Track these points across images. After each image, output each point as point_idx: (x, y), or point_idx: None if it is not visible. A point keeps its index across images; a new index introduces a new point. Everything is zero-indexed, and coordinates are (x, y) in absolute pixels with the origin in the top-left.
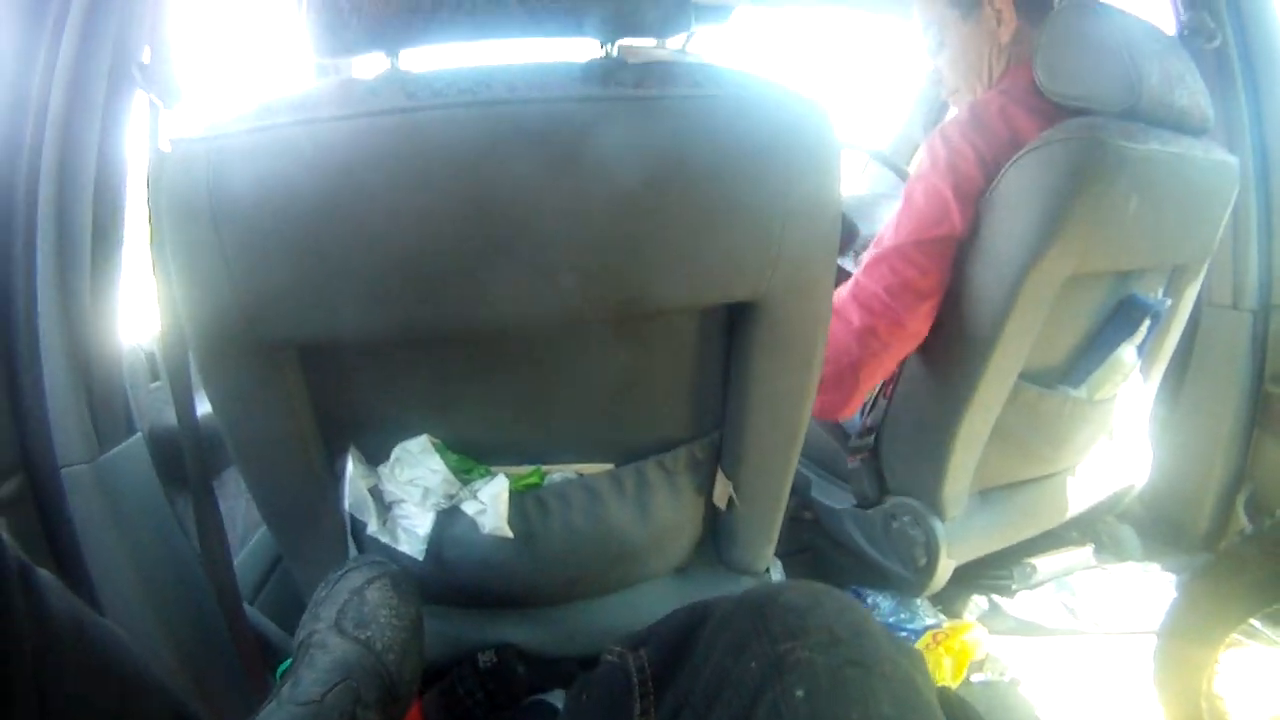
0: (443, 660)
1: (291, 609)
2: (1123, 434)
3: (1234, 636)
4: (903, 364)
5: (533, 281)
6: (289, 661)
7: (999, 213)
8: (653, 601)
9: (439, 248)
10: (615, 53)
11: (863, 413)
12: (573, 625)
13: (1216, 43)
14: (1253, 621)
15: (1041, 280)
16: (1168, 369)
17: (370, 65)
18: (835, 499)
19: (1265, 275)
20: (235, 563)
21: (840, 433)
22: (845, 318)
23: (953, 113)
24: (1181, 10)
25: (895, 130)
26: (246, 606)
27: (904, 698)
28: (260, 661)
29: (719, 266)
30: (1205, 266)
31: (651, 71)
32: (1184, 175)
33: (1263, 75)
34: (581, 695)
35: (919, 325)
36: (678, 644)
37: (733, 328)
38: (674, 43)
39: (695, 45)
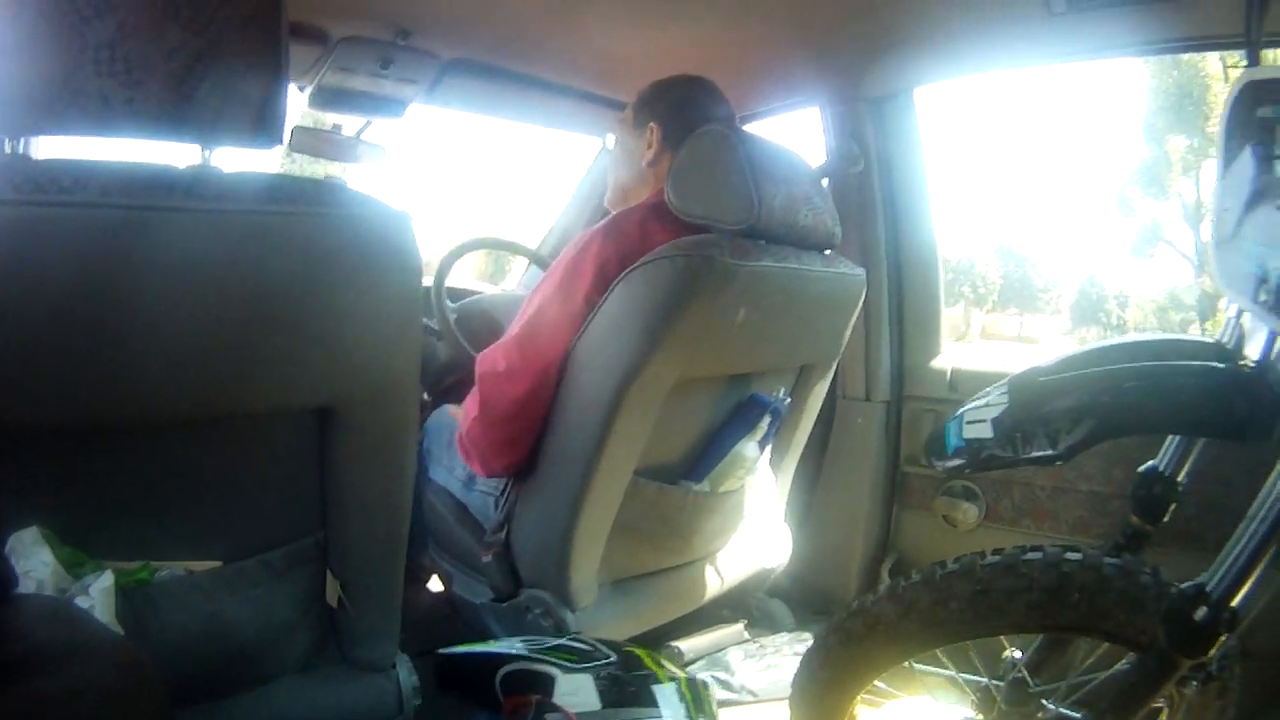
0: None
1: None
2: (759, 520)
3: (865, 697)
4: (529, 458)
5: (121, 380)
6: None
7: (607, 321)
8: (278, 702)
9: (31, 344)
10: (211, 159)
11: (496, 507)
12: None
13: (859, 168)
14: (878, 684)
15: (647, 386)
16: (808, 455)
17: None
18: (475, 593)
19: (896, 371)
20: None
21: (477, 528)
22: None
23: None
24: (831, 138)
25: (556, 233)
26: None
27: None
28: None
29: (288, 373)
30: (834, 365)
31: (237, 184)
32: (804, 287)
33: (900, 199)
34: None
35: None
36: None
37: (323, 432)
38: (350, 129)
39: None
